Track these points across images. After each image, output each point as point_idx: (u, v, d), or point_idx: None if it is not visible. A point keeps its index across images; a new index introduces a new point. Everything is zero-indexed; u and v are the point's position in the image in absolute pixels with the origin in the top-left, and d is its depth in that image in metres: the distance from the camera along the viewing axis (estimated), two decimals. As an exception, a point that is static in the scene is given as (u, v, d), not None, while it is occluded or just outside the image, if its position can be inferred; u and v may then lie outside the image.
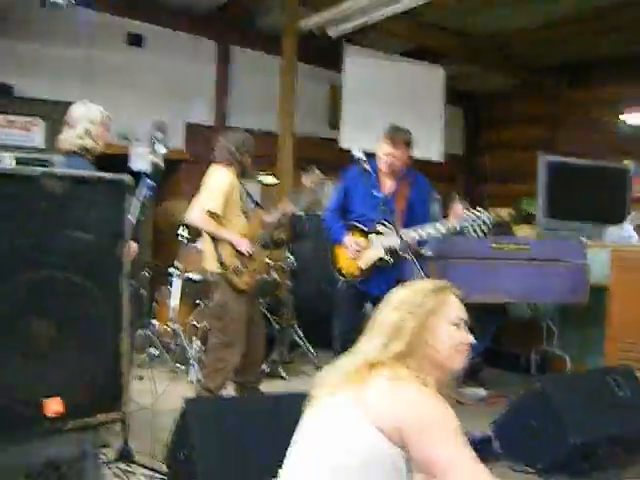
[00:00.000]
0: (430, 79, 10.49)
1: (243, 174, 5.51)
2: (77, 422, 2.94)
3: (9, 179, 2.86)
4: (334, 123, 10.26)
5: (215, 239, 5.26)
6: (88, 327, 2.96)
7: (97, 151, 4.58)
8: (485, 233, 5.01)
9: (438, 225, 5.11)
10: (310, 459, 2.17)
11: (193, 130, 10.21)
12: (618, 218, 7.78)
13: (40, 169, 2.91)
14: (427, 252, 5.75)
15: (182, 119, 10.12)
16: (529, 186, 9.60)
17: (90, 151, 4.52)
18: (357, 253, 5.26)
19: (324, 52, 10.20)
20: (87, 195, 2.97)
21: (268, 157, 8.80)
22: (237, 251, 5.24)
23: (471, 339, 2.39)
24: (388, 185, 5.38)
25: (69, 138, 4.50)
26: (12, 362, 2.78)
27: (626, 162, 9.77)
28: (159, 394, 4.94)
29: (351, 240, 5.29)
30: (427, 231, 5.09)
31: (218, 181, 5.31)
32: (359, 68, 9.75)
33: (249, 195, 5.64)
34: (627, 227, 7.55)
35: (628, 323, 5.97)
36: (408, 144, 5.33)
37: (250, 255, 5.27)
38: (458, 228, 5.03)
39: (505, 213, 10.46)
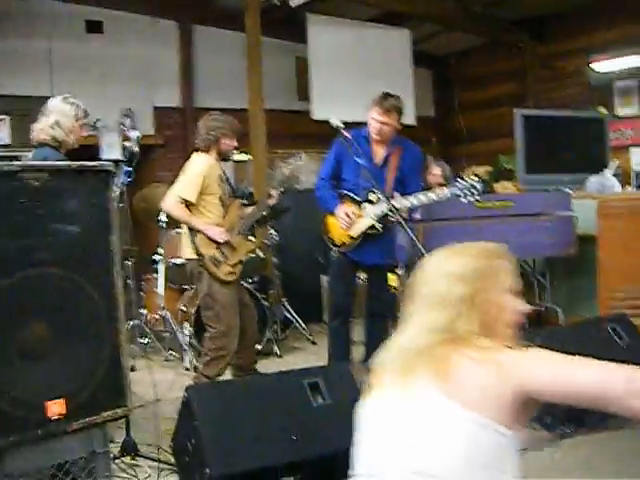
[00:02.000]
0: (396, 43, 10.41)
1: (224, 158, 5.44)
2: (82, 422, 2.87)
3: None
4: (304, 95, 10.14)
5: (190, 228, 5.20)
6: (84, 323, 2.88)
7: (69, 145, 4.47)
8: (476, 198, 4.99)
9: (429, 193, 5.08)
10: (398, 457, 1.88)
11: (162, 114, 10.08)
12: (599, 167, 7.74)
13: (18, 163, 2.81)
14: (415, 216, 5.71)
15: (150, 104, 9.98)
16: (505, 142, 9.58)
17: (61, 143, 4.41)
18: (349, 223, 5.20)
19: (288, 24, 10.08)
20: (70, 186, 2.88)
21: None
22: (214, 241, 5.17)
23: (527, 307, 2.20)
24: (379, 153, 5.33)
25: (41, 127, 4.40)
26: (11, 365, 2.70)
27: (601, 110, 9.75)
28: (156, 385, 4.85)
29: (343, 210, 5.23)
30: (419, 199, 5.04)
31: (194, 168, 5.26)
32: (324, 37, 9.65)
33: (229, 183, 5.55)
34: (608, 175, 7.52)
35: (618, 271, 5.95)
36: (399, 110, 5.28)
37: (229, 244, 5.21)
38: (449, 195, 4.99)
39: (482, 171, 10.42)
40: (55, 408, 2.77)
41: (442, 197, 5.05)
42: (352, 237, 5.27)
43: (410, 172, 5.38)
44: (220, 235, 5.18)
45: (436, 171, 7.24)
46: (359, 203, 5.24)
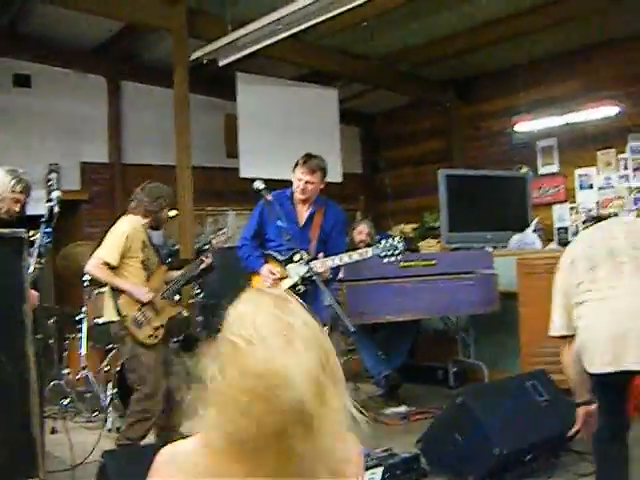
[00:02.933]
0: (324, 101, 10.55)
1: (157, 227, 5.46)
2: (-9, 494, 2.79)
3: None
4: (232, 152, 10.20)
5: (113, 289, 5.17)
6: (-7, 393, 2.81)
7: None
8: (398, 258, 5.06)
9: (352, 254, 5.15)
10: None
11: (89, 169, 10.02)
12: (521, 225, 7.93)
13: None
14: (339, 275, 5.77)
15: (77, 159, 9.92)
16: (431, 199, 9.74)
17: None
18: (274, 282, 5.21)
19: (217, 81, 10.17)
20: (-19, 253, 2.83)
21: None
22: (138, 301, 5.14)
23: None
24: (303, 213, 5.38)
25: None
26: None
27: (523, 170, 10.03)
28: (73, 448, 4.75)
29: (267, 269, 5.25)
30: (341, 259, 5.11)
31: (117, 231, 5.25)
32: (253, 95, 9.73)
33: (156, 249, 5.54)
34: (530, 234, 7.70)
35: (539, 328, 6.00)
36: (322, 170, 5.35)
37: (153, 307, 5.19)
38: (371, 255, 5.08)
39: (409, 229, 10.59)
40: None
41: (365, 257, 5.13)
42: None
43: (333, 231, 5.43)
44: (145, 295, 5.14)
45: (362, 229, 7.32)
46: (282, 263, 5.26)
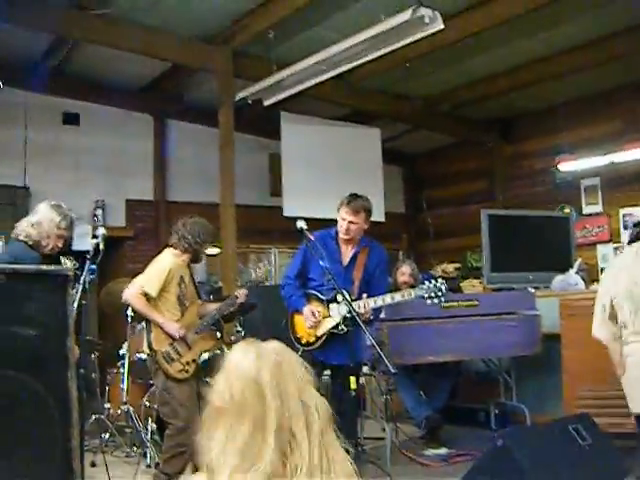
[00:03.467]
0: (367, 141, 10.63)
1: (195, 261, 5.52)
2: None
3: None
4: (276, 191, 10.28)
5: (148, 321, 5.22)
6: (36, 429, 2.84)
7: (42, 248, 4.51)
8: (441, 300, 5.06)
9: (395, 295, 5.15)
10: None
11: (134, 206, 10.17)
12: (564, 265, 7.86)
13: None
14: (381, 315, 5.77)
15: (122, 196, 10.09)
16: (473, 239, 9.71)
17: (35, 242, 4.45)
18: (315, 322, 5.22)
19: (261, 121, 10.29)
20: (27, 289, 2.88)
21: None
22: (170, 337, 5.18)
23: None
24: (347, 253, 5.39)
25: (22, 224, 4.47)
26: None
27: (566, 210, 9.97)
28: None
29: (310, 310, 5.25)
30: (384, 300, 5.11)
31: (160, 263, 5.32)
32: (296, 135, 9.83)
33: (195, 285, 5.59)
34: (573, 274, 7.62)
35: (582, 370, 5.98)
36: (367, 210, 5.36)
37: (184, 342, 5.22)
38: (414, 297, 5.10)
39: (452, 268, 10.54)
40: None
41: (407, 299, 5.14)
42: (317, 336, 5.28)
43: (376, 272, 5.43)
44: (177, 331, 5.18)
45: (405, 270, 7.29)
46: (325, 302, 5.27)
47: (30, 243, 4.42)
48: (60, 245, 4.60)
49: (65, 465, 2.92)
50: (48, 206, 4.62)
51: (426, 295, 5.01)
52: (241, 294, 5.58)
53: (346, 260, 5.38)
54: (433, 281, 5.04)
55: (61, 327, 2.96)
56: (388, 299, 5.10)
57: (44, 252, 4.48)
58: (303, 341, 5.34)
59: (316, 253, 4.99)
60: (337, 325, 5.17)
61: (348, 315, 4.95)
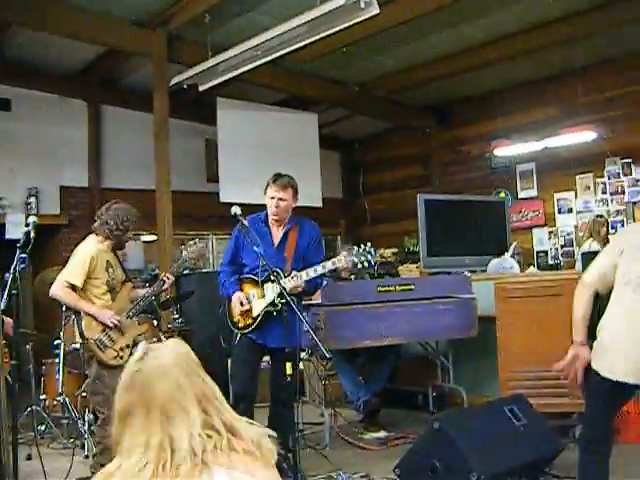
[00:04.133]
0: (304, 126, 10.59)
1: (120, 247, 5.45)
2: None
3: None
4: (213, 177, 10.20)
5: (77, 311, 5.14)
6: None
7: None
8: (370, 263, 5.17)
9: (325, 263, 5.18)
10: None
11: (68, 193, 9.98)
12: (499, 249, 7.95)
13: None
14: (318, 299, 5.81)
15: (56, 183, 9.89)
16: (410, 224, 9.78)
17: None
18: (243, 310, 5.27)
19: (197, 106, 10.18)
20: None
21: (147, 215, 8.69)
22: (102, 324, 5.12)
23: None
24: (277, 234, 5.40)
25: None
26: None
27: (501, 194, 10.09)
28: (47, 475, 4.70)
29: (237, 297, 5.29)
30: (315, 270, 5.13)
31: (82, 253, 5.23)
32: (233, 120, 9.75)
33: (123, 267, 5.52)
34: (508, 258, 7.72)
35: (517, 352, 6.05)
36: (293, 187, 5.38)
37: (117, 327, 5.16)
38: (344, 262, 5.20)
39: (389, 253, 10.59)
40: None
41: (338, 265, 5.24)
42: (254, 317, 5.30)
43: (309, 248, 5.46)
44: (110, 319, 5.12)
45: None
46: (260, 283, 5.28)
47: None
48: None
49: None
50: None
51: (356, 259, 5.09)
52: (169, 276, 5.55)
53: (276, 241, 5.40)
54: (362, 245, 5.12)
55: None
56: (320, 269, 5.13)
57: None
58: (240, 325, 5.37)
59: (250, 238, 5.00)
60: (272, 303, 5.20)
61: (280, 292, 5.01)
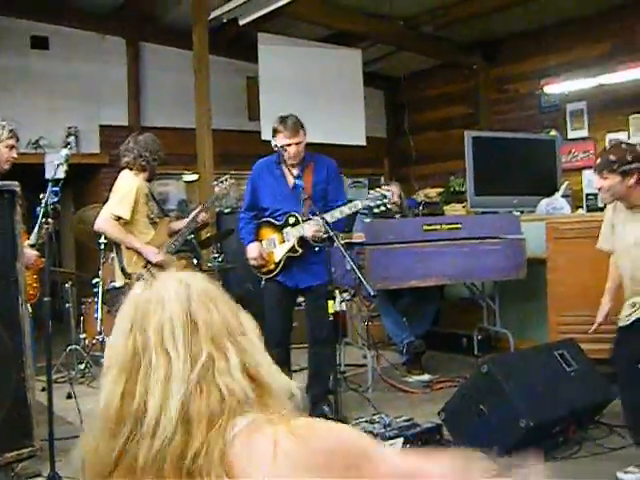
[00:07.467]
0: (347, 63, 10.30)
1: (151, 179, 5.39)
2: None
3: None
4: (254, 115, 10.00)
5: (118, 246, 5.05)
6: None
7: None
8: (387, 208, 5.10)
9: (342, 208, 5.04)
10: None
11: (108, 132, 9.88)
12: (549, 189, 7.70)
13: None
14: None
15: (96, 122, 9.79)
16: (456, 164, 9.53)
17: None
18: (259, 264, 5.27)
19: (238, 43, 9.96)
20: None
21: (188, 154, 8.59)
22: (145, 259, 5.03)
23: None
24: (292, 174, 5.20)
25: None
26: None
27: (552, 133, 9.76)
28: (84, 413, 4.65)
29: (253, 249, 5.26)
30: (332, 215, 4.97)
31: (125, 185, 5.17)
32: (274, 57, 9.50)
33: (157, 201, 5.43)
34: (559, 198, 7.47)
35: (567, 295, 5.87)
36: (302, 125, 5.20)
37: (158, 263, 5.07)
38: (361, 207, 5.07)
39: (434, 193, 10.38)
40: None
41: (355, 210, 5.10)
42: (276, 262, 5.24)
43: (330, 184, 5.30)
44: (155, 256, 5.06)
45: (394, 189, 7.10)
46: (279, 228, 5.18)
47: None
48: (14, 155, 4.52)
49: (19, 398, 2.72)
50: None
51: (372, 204, 4.96)
52: (202, 214, 5.47)
53: (292, 181, 5.22)
54: (378, 189, 5.01)
55: (10, 248, 2.74)
56: (337, 214, 4.99)
57: (4, 169, 4.35)
58: (264, 270, 5.29)
59: (273, 178, 5.09)
60: (292, 248, 5.14)
61: (305, 235, 4.98)
